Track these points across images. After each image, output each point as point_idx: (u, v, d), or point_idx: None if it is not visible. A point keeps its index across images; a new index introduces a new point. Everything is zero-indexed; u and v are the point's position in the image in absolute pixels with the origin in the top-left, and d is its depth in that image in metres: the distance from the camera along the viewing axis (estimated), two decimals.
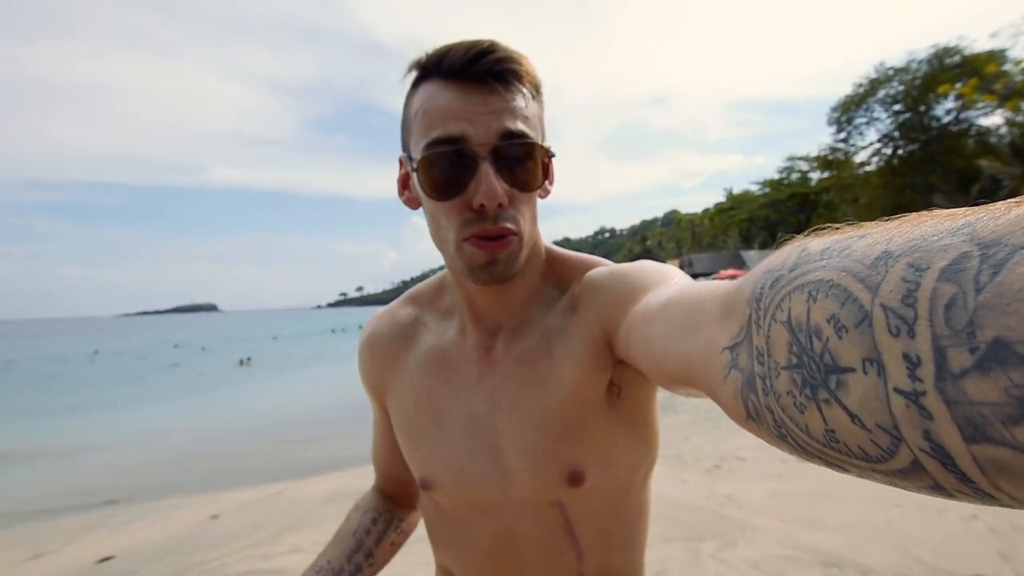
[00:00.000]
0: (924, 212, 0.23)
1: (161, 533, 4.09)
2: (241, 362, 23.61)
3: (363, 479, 5.07)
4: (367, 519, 0.82)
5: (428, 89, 0.59)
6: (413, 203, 0.66)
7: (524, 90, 0.60)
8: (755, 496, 3.51)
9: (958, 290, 0.19)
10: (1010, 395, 0.17)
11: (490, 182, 0.56)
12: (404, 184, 0.67)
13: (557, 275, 0.69)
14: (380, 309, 0.81)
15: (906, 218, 0.23)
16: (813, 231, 0.28)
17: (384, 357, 0.75)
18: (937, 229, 0.21)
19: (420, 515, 0.85)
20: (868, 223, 0.25)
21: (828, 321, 0.23)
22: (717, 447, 4.78)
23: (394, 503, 0.86)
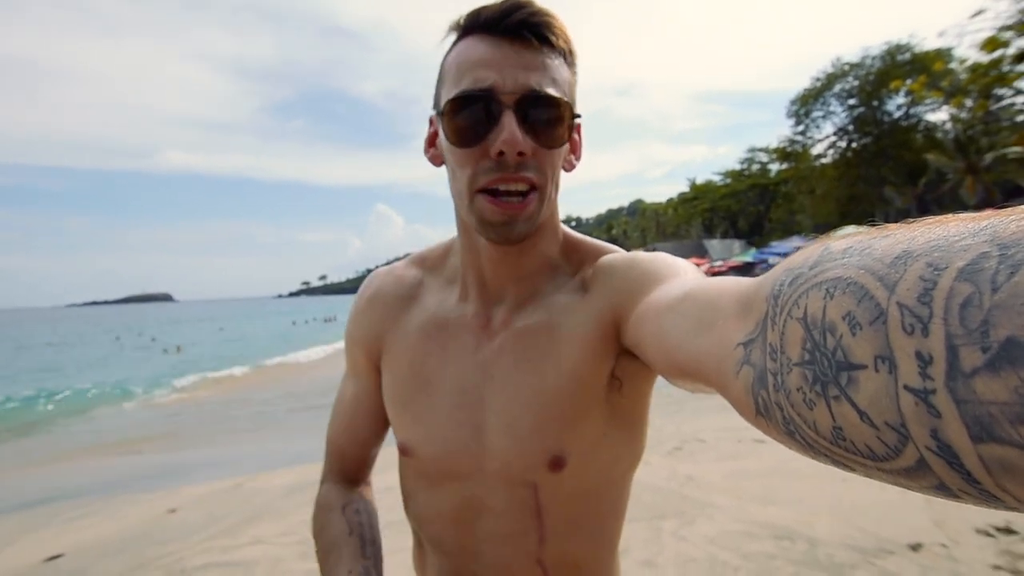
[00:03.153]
0: (949, 214, 0.23)
1: (113, 529, 3.95)
2: (165, 350, 22.93)
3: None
4: (351, 512, 0.75)
5: (463, 44, 0.60)
6: (437, 159, 0.66)
7: (554, 51, 0.60)
8: (714, 476, 3.63)
9: (974, 290, 0.18)
10: (1020, 395, 0.17)
11: (511, 129, 0.56)
12: (431, 142, 0.67)
13: (570, 255, 0.68)
14: (383, 267, 0.78)
15: (931, 220, 0.23)
16: (831, 230, 0.28)
17: (386, 315, 0.73)
18: (959, 230, 0.21)
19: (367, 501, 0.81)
20: (893, 224, 0.25)
21: (843, 318, 0.23)
22: (679, 429, 4.91)
23: (361, 488, 0.81)
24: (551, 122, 0.59)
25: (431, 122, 0.66)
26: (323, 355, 18.39)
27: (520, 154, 0.57)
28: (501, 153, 0.57)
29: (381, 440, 0.80)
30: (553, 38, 0.59)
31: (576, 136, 0.66)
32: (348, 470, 0.81)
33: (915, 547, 2.46)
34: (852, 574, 2.31)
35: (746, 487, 3.39)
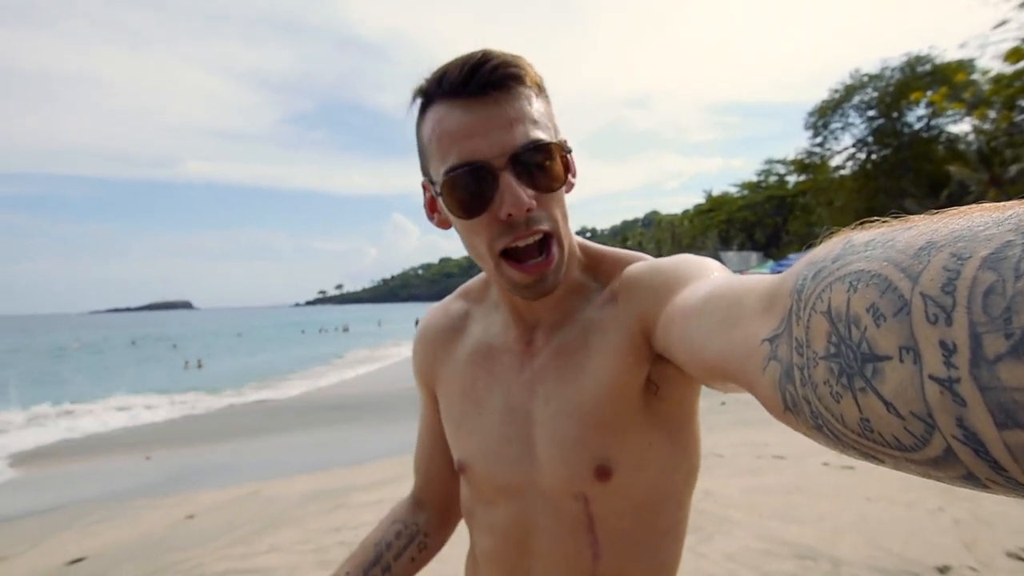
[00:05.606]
0: (973, 205, 0.23)
1: (133, 534, 4.00)
2: (187, 364, 22.43)
3: (339, 479, 5.02)
4: (392, 532, 0.81)
5: (435, 113, 0.60)
6: (444, 224, 0.67)
7: (526, 91, 0.60)
8: (732, 491, 3.57)
9: (998, 278, 0.19)
10: None
11: (513, 191, 0.57)
12: (432, 208, 0.68)
13: (595, 269, 0.70)
14: (435, 304, 0.84)
15: (954, 210, 0.23)
16: (860, 224, 0.28)
17: (436, 348, 0.78)
18: (984, 220, 0.21)
19: (450, 532, 0.85)
20: (916, 216, 0.25)
21: (867, 310, 0.23)
22: None
23: (427, 516, 0.84)
24: (547, 167, 0.59)
25: (424, 188, 0.67)
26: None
27: (528, 210, 0.58)
28: (510, 215, 0.58)
29: (446, 460, 0.81)
30: (520, 83, 0.59)
31: (568, 159, 0.66)
32: (422, 490, 0.86)
33: (943, 570, 2.39)
34: None
35: (765, 503, 3.33)
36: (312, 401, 11.59)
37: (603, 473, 0.62)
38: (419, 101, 0.63)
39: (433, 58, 0.64)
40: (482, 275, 0.79)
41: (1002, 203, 0.22)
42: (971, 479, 0.21)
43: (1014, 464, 0.19)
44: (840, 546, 2.69)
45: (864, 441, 0.25)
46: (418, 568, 0.82)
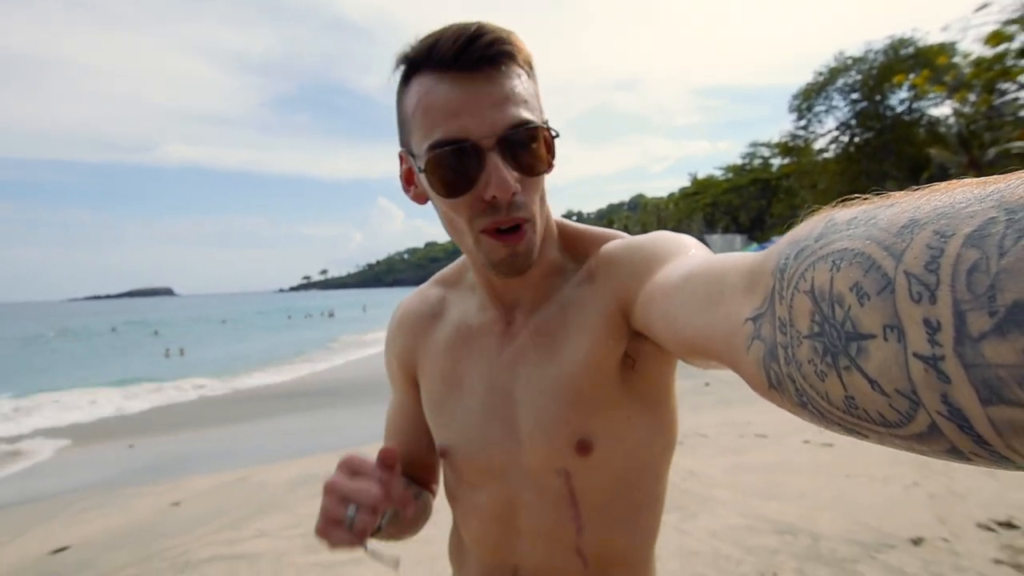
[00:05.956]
0: (954, 181, 0.23)
1: (119, 522, 3.98)
2: (168, 352, 21.79)
3: (330, 463, 5.02)
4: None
5: (422, 83, 0.58)
6: (421, 198, 0.65)
7: (518, 69, 0.58)
8: (716, 470, 3.64)
9: (981, 255, 0.19)
10: None
11: (500, 174, 0.56)
12: (408, 180, 0.66)
13: (573, 248, 0.70)
14: (411, 290, 0.82)
15: (936, 187, 0.23)
16: (842, 201, 0.27)
17: (416, 334, 0.77)
18: (966, 196, 0.21)
19: (431, 501, 0.82)
20: (897, 193, 0.25)
21: (851, 289, 0.23)
22: (680, 423, 4.92)
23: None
24: (533, 149, 0.59)
25: (401, 158, 0.65)
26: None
27: (512, 193, 0.57)
28: (494, 197, 0.57)
29: (426, 443, 0.79)
30: (513, 60, 0.58)
31: (552, 141, 0.65)
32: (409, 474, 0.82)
33: (917, 541, 2.48)
34: (854, 568, 2.32)
35: (748, 482, 3.40)
36: (302, 387, 11.54)
37: (584, 448, 0.63)
38: (403, 68, 0.60)
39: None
40: (457, 261, 0.78)
41: (983, 178, 0.21)
42: (955, 452, 0.21)
43: (998, 438, 0.19)
44: (819, 522, 2.77)
45: (849, 418, 0.25)
46: (408, 527, 0.76)
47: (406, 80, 0.60)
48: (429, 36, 0.58)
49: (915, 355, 0.21)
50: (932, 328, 0.20)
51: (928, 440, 0.22)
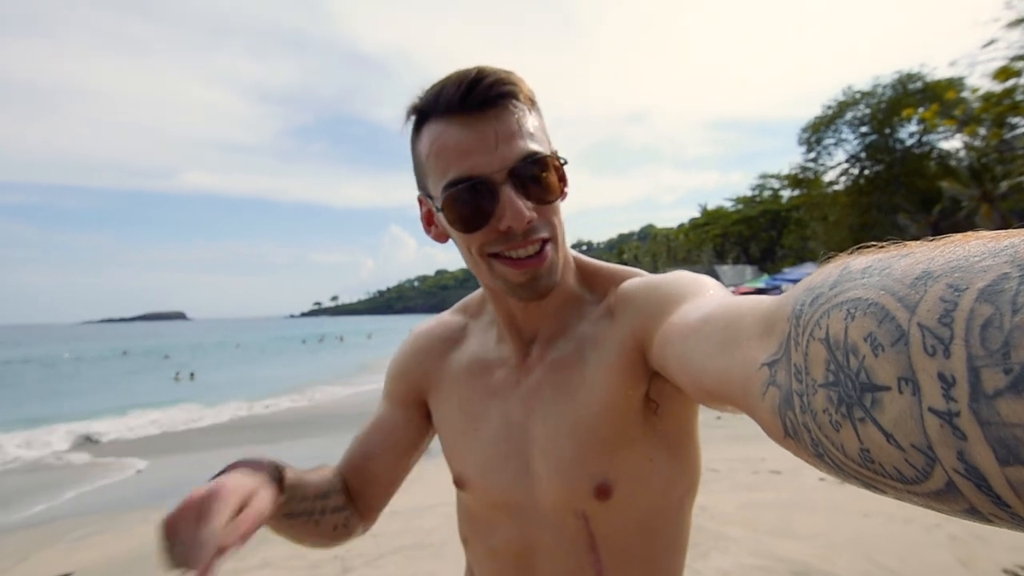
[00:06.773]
0: (969, 232, 0.23)
1: (121, 548, 3.94)
2: (178, 376, 21.71)
3: None
4: (336, 487, 0.73)
5: (433, 130, 0.61)
6: (442, 237, 0.68)
7: (521, 105, 0.61)
8: (728, 507, 3.55)
9: (995, 311, 0.19)
10: None
11: (515, 205, 0.58)
12: (429, 221, 0.68)
13: (591, 283, 0.70)
14: (421, 318, 0.83)
15: (951, 238, 0.23)
16: (857, 249, 0.28)
17: (433, 356, 0.77)
18: (980, 250, 0.21)
19: (355, 524, 0.76)
20: (912, 242, 0.25)
21: (865, 339, 0.23)
22: None
23: (348, 497, 0.76)
24: (544, 179, 0.60)
25: (420, 202, 0.68)
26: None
27: (528, 222, 0.59)
28: (509, 227, 0.59)
29: (387, 466, 0.76)
30: (515, 98, 0.60)
31: (562, 169, 0.66)
32: (346, 474, 0.77)
33: None
34: None
35: (761, 519, 3.31)
36: (311, 412, 11.49)
37: (603, 492, 0.62)
38: (414, 118, 0.64)
39: (433, 73, 0.65)
40: (480, 291, 0.78)
41: (998, 232, 0.22)
42: (974, 513, 0.21)
43: (1017, 500, 0.19)
44: (836, 562, 2.67)
45: (865, 471, 0.25)
46: (327, 539, 0.72)
47: (418, 129, 0.64)
48: (434, 86, 0.61)
49: (930, 410, 0.20)
50: (947, 383, 0.20)
51: (946, 498, 0.21)
